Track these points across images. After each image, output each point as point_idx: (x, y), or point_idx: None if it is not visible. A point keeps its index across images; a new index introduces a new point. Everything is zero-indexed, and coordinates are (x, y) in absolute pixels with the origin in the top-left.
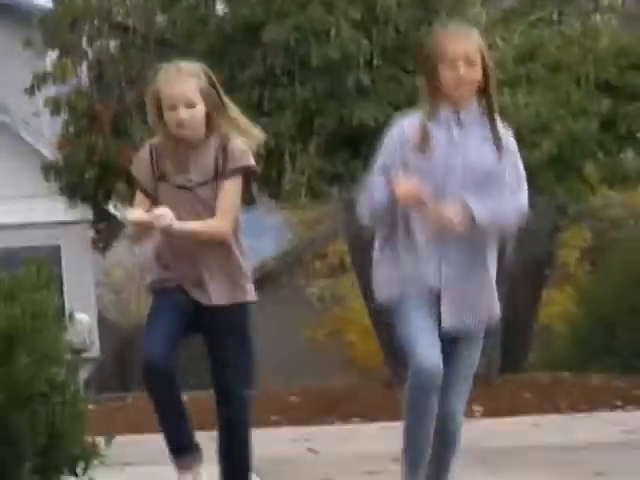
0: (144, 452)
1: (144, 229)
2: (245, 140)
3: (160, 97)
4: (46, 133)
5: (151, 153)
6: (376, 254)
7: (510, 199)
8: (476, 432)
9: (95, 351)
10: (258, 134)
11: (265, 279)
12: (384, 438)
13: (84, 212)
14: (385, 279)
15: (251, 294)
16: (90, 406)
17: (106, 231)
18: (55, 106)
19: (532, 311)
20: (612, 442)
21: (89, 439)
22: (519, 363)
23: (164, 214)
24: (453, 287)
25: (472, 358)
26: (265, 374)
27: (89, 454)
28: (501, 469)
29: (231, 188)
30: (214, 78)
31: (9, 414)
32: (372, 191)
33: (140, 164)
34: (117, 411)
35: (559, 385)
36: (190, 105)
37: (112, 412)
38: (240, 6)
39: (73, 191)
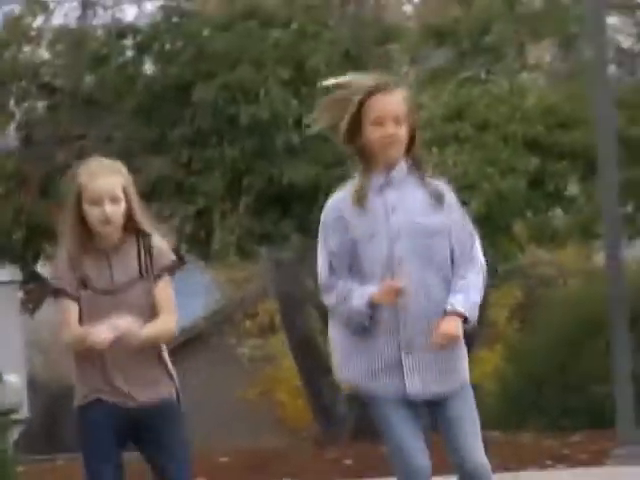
0: None
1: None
2: (161, 236)
3: (82, 193)
4: None
5: (70, 262)
6: (333, 330)
7: (472, 267)
8: None
9: (24, 412)
10: (170, 234)
11: (196, 339)
12: None
13: (12, 273)
14: (346, 359)
15: (175, 388)
16: (19, 468)
17: (35, 292)
18: None
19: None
20: None
21: None
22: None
23: (132, 331)
24: (416, 355)
25: (472, 411)
26: (196, 434)
27: None
28: None
29: (167, 288)
30: (130, 176)
31: None
32: (347, 298)
33: (61, 273)
34: (46, 473)
35: (489, 444)
36: (115, 201)
37: (41, 474)
38: (170, 65)
39: (1, 252)
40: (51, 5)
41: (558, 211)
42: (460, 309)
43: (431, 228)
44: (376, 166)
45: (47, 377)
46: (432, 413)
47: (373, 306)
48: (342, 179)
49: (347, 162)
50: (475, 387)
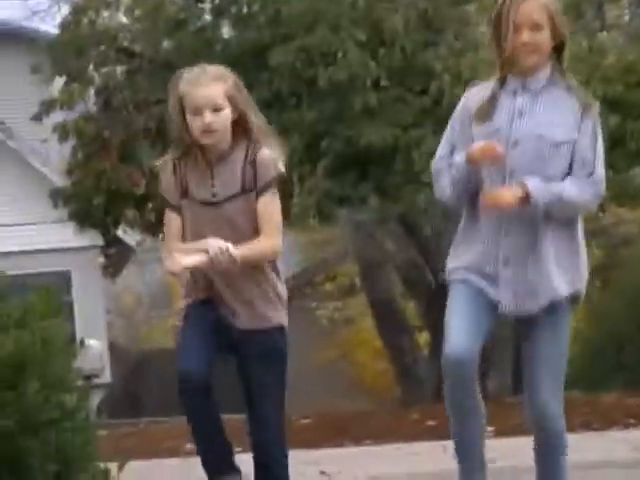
0: (157, 478)
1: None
2: (272, 147)
3: (183, 102)
4: (54, 160)
5: (174, 169)
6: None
7: (581, 180)
8: (490, 451)
9: (106, 377)
10: (279, 145)
11: None
12: (396, 459)
13: (93, 238)
14: (453, 252)
15: (285, 318)
16: (101, 432)
17: (116, 257)
18: (63, 132)
19: None
20: (625, 461)
21: (101, 465)
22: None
23: (222, 251)
24: (511, 268)
25: (553, 343)
26: None
27: None
28: None
29: (270, 203)
30: (241, 82)
31: (19, 440)
32: (448, 163)
33: (166, 182)
34: (129, 437)
35: (571, 404)
36: (217, 109)
37: (124, 438)
38: (247, 29)
39: (82, 217)
40: None
41: (639, 170)
42: (527, 184)
43: (555, 140)
44: (514, 71)
45: (128, 342)
46: (519, 333)
47: (472, 161)
48: (420, 140)
49: (425, 123)
50: None
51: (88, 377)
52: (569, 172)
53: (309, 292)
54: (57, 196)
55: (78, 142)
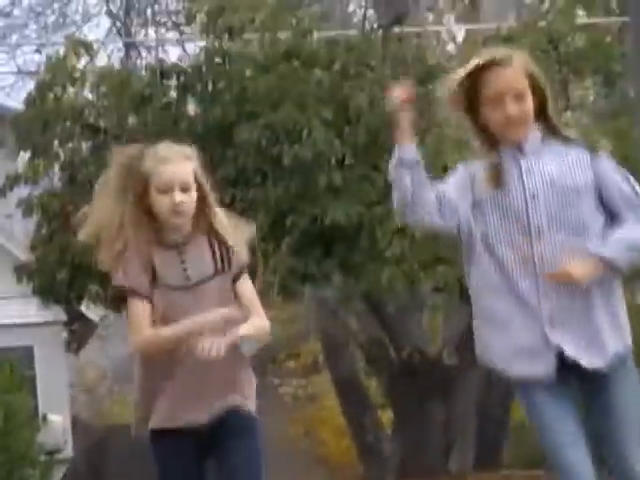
0: None
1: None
2: (235, 232)
3: (148, 180)
4: (18, 235)
5: (138, 256)
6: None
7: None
8: None
9: (68, 451)
10: (247, 227)
11: None
12: None
13: (57, 313)
14: (487, 345)
15: (253, 404)
16: None
17: (79, 332)
18: (27, 207)
19: (506, 407)
20: None
21: None
22: (494, 459)
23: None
24: (564, 324)
25: (631, 398)
26: None
27: None
28: None
29: (250, 287)
30: (202, 165)
31: None
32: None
33: (130, 272)
34: None
35: None
36: (187, 189)
37: None
38: (212, 106)
39: (46, 292)
40: (95, 46)
41: None
42: (600, 249)
43: (570, 185)
44: (503, 143)
45: (91, 417)
46: (583, 396)
47: (395, 109)
48: (384, 218)
49: (389, 201)
50: (519, 425)
51: (50, 452)
52: (610, 208)
53: (272, 369)
54: (21, 271)
55: (43, 217)
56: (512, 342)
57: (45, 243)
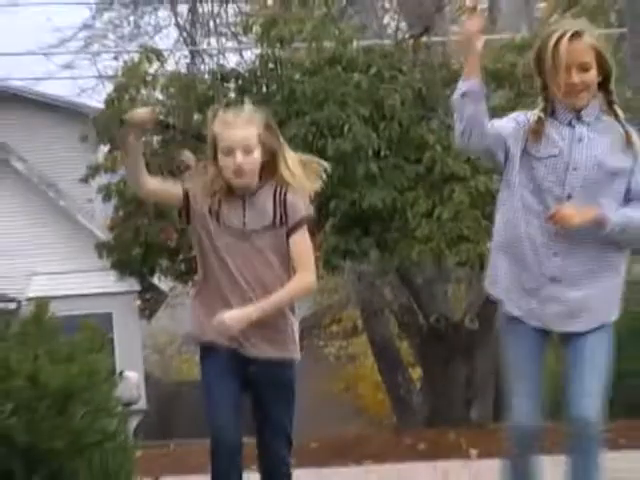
0: None
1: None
2: (301, 188)
3: (216, 141)
4: (99, 217)
5: (212, 183)
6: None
7: None
8: (473, 471)
9: (142, 404)
10: (313, 183)
11: None
12: (393, 477)
13: (132, 284)
14: (496, 277)
15: (297, 352)
16: (138, 452)
17: (151, 301)
18: (107, 193)
19: None
20: None
21: None
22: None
23: (231, 321)
24: (563, 284)
25: (599, 358)
26: None
27: None
28: None
29: (303, 241)
30: (273, 123)
31: (67, 459)
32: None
33: (200, 184)
34: (161, 457)
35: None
36: (248, 151)
37: (157, 457)
38: (266, 106)
39: (122, 267)
40: (165, 54)
41: None
42: (602, 209)
43: (612, 168)
44: (564, 105)
45: (161, 374)
46: (565, 347)
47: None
48: (414, 202)
49: (418, 187)
50: None
51: (127, 404)
52: (628, 196)
53: (318, 333)
54: (101, 248)
55: (119, 202)
56: (519, 282)
57: (122, 224)
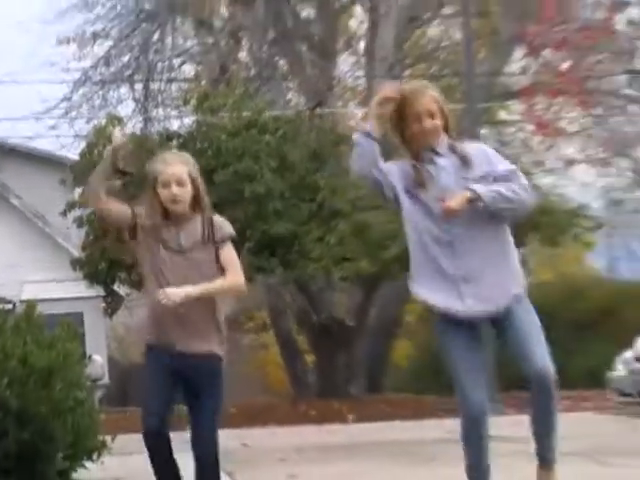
0: (140, 446)
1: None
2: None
3: (156, 177)
4: (74, 240)
5: (150, 218)
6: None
7: (511, 183)
8: (350, 431)
9: (105, 380)
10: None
11: None
12: (292, 436)
13: (99, 290)
14: (419, 283)
15: (223, 349)
16: (102, 416)
17: (112, 303)
18: (80, 222)
19: (387, 353)
20: (437, 439)
21: (101, 437)
22: (378, 387)
23: (172, 293)
24: (474, 279)
25: (531, 321)
26: None
27: (101, 447)
28: (370, 457)
29: (230, 252)
30: (197, 168)
31: (49, 421)
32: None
33: (151, 215)
34: (120, 420)
35: (403, 401)
36: (182, 184)
37: (116, 420)
38: (200, 158)
39: (91, 277)
40: (124, 119)
41: None
42: (474, 186)
43: (474, 177)
44: (422, 149)
45: (120, 357)
46: (496, 328)
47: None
48: (309, 232)
49: (312, 221)
50: (395, 365)
51: (94, 380)
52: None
53: (235, 327)
54: (75, 264)
55: (89, 229)
56: (438, 286)
57: (91, 245)
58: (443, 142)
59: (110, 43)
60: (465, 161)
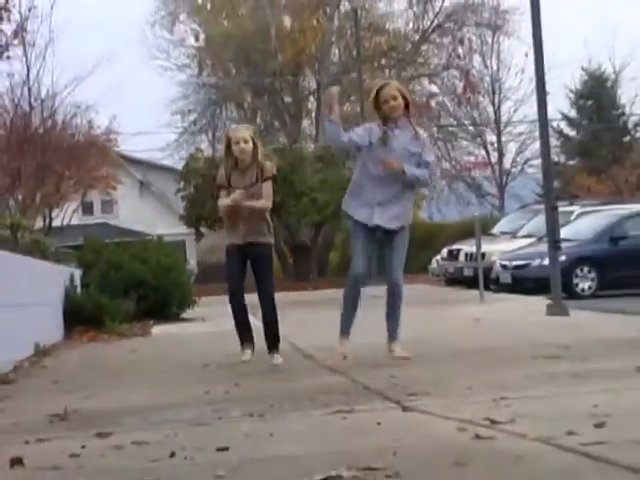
0: (213, 301)
1: (230, 209)
2: (268, 166)
3: (230, 138)
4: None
5: (226, 171)
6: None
7: (422, 168)
8: (309, 295)
9: (195, 271)
10: (273, 166)
11: None
12: (279, 297)
13: (191, 230)
14: (348, 201)
15: (272, 240)
16: (193, 288)
17: (198, 236)
18: (182, 196)
19: (327, 257)
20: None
21: (194, 298)
22: (324, 275)
23: (239, 195)
24: (384, 206)
25: (402, 246)
26: None
27: (193, 302)
28: (319, 306)
29: (268, 186)
30: (256, 133)
31: (169, 289)
32: (327, 128)
33: (220, 178)
34: (202, 290)
35: (335, 281)
36: (246, 142)
37: (200, 290)
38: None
39: (188, 224)
40: None
41: None
42: (405, 166)
43: (410, 152)
44: (388, 120)
45: (202, 260)
46: (386, 242)
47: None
48: (289, 202)
49: (292, 197)
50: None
51: (190, 271)
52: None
53: None
54: (181, 218)
55: (187, 202)
56: (361, 206)
57: (187, 209)
58: (404, 120)
59: None
60: (416, 137)
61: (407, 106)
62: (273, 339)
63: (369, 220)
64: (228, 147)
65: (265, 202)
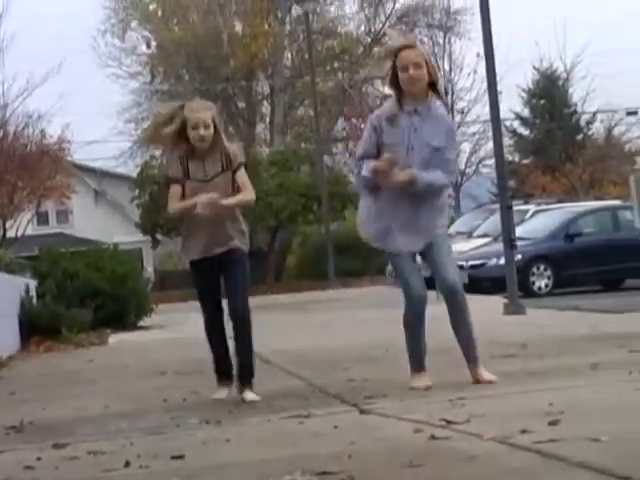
0: (168, 308)
1: (185, 211)
2: (234, 146)
3: (186, 121)
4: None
5: (180, 161)
6: (362, 204)
7: (442, 171)
8: (267, 299)
9: (152, 278)
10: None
11: None
12: None
13: (147, 237)
14: (365, 222)
15: (247, 244)
16: (150, 296)
17: (154, 243)
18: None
19: (284, 262)
20: (311, 300)
21: (150, 305)
22: (280, 278)
23: (210, 198)
24: (405, 228)
25: (444, 245)
26: None
27: (150, 310)
28: (276, 310)
29: (244, 174)
30: (217, 112)
31: (126, 298)
32: (360, 169)
33: (174, 169)
34: (159, 297)
35: (291, 284)
36: (207, 128)
37: (157, 297)
38: None
39: (145, 231)
40: None
41: None
42: (415, 173)
43: (434, 147)
44: (407, 97)
45: (158, 267)
46: (423, 257)
47: (375, 173)
48: None
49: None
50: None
51: (147, 279)
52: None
53: None
54: (137, 226)
55: (143, 210)
56: (384, 233)
57: (144, 217)
58: (426, 99)
59: None
60: (442, 123)
61: (433, 84)
62: (245, 373)
63: (396, 250)
64: (183, 129)
65: (248, 195)
